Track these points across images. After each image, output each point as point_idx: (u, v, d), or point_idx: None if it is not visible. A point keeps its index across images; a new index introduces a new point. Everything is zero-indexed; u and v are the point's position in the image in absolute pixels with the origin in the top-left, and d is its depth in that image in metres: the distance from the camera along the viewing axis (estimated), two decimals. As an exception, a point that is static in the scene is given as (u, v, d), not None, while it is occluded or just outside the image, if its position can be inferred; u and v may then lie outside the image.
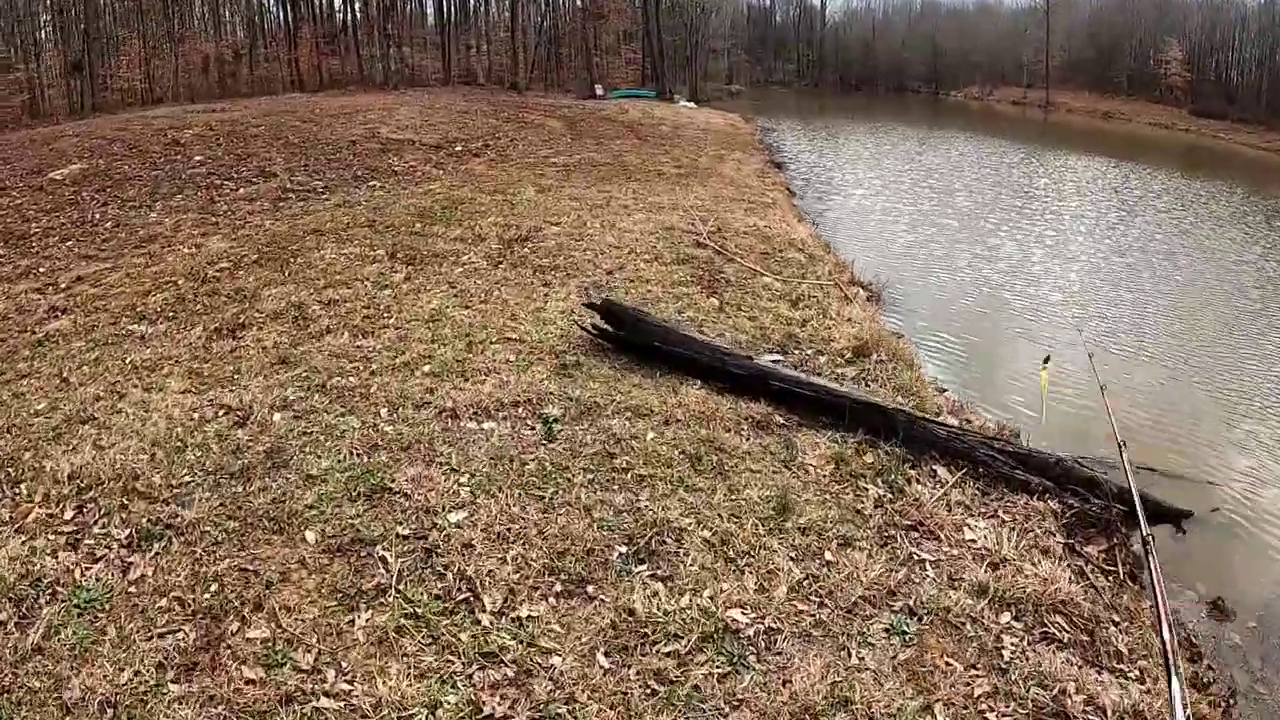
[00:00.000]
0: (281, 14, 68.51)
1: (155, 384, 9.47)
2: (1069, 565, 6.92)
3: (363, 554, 6.26)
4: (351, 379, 9.19)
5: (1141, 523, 6.84)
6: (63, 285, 14.37)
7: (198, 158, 24.47)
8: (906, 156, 41.01)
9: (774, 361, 10.04)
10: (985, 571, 6.55)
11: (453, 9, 73.50)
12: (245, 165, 23.86)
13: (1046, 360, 9.68)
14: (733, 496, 7.13)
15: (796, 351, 10.79)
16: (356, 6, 68.58)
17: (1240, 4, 78.31)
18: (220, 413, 8.54)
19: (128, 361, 10.30)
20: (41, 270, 15.39)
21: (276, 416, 8.35)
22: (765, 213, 20.18)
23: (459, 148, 28.86)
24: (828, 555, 6.55)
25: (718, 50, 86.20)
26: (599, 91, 59.74)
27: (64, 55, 53.00)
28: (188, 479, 7.29)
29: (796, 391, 8.92)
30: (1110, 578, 7.11)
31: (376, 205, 19.08)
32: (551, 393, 8.75)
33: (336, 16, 68.98)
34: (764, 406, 8.77)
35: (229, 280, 13.46)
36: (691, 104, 58.09)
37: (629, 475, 7.33)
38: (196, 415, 8.52)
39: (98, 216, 19.06)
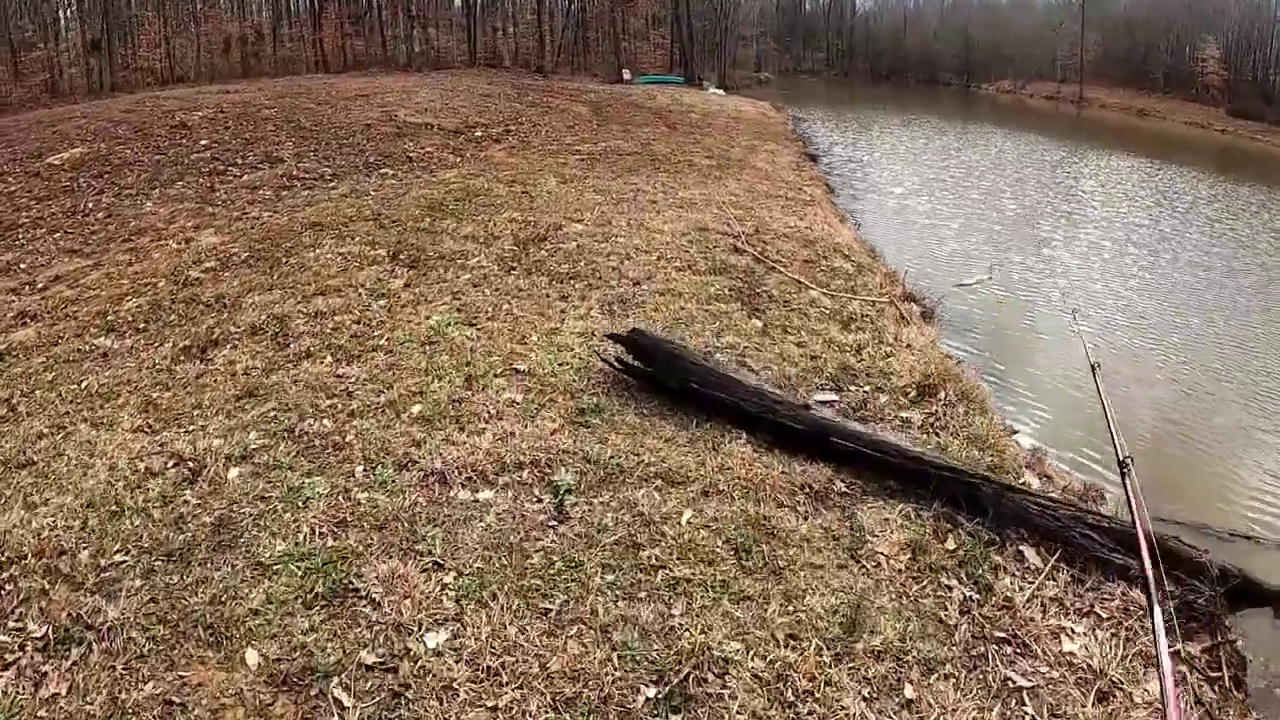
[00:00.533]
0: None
1: (106, 418, 8.04)
2: (1180, 677, 5.41)
3: (314, 690, 4.73)
4: (326, 421, 7.64)
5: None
6: (40, 285, 13.03)
7: (203, 142, 22.97)
8: (944, 152, 39.01)
9: (828, 402, 8.49)
10: (1092, 705, 5.07)
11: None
12: (252, 150, 22.34)
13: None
14: (790, 607, 5.50)
15: (853, 388, 9.12)
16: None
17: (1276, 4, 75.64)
18: (170, 463, 7.05)
19: (84, 386, 8.90)
20: (23, 266, 14.05)
21: (233, 473, 6.83)
22: (804, 211, 18.51)
23: (479, 133, 27.27)
24: (908, 691, 4.99)
25: (747, 38, 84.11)
26: (626, 76, 57.84)
27: (83, 34, 51.57)
28: (120, 558, 5.82)
29: (863, 453, 7.27)
30: (1216, 687, 5.58)
31: (385, 196, 17.51)
32: (565, 450, 7.13)
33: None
34: (822, 468, 7.17)
35: (211, 284, 11.94)
36: (720, 91, 56.17)
37: (659, 577, 5.70)
38: (143, 465, 7.05)
39: (90, 205, 17.61)
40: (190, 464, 7.03)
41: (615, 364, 8.41)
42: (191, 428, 7.71)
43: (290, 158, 21.69)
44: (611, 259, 12.77)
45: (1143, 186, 33.08)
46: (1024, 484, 7.40)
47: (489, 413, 7.77)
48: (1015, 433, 9.69)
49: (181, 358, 9.44)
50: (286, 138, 23.69)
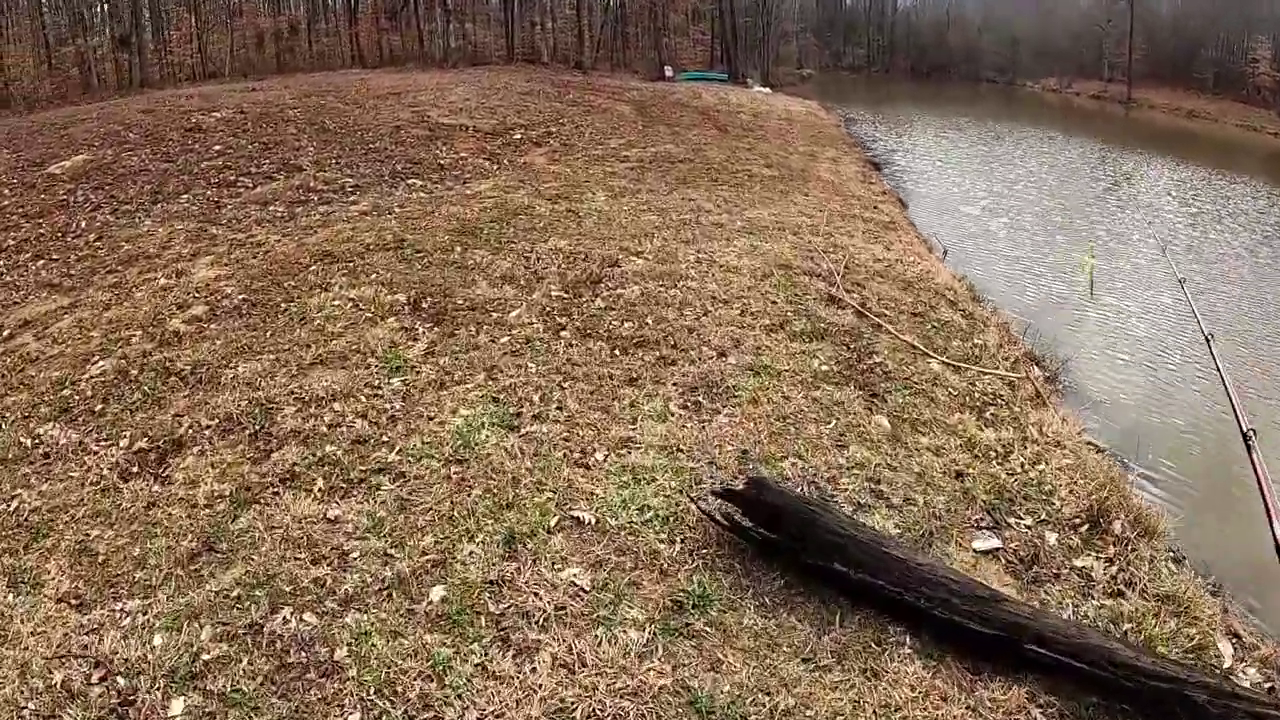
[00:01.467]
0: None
1: (30, 572, 5.79)
2: None
3: None
4: (309, 615, 5.12)
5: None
6: (5, 332, 10.72)
7: (216, 147, 20.51)
8: (1009, 161, 35.85)
9: (992, 551, 6.07)
10: None
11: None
12: (268, 157, 19.87)
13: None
14: None
15: (1014, 521, 6.57)
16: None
17: None
18: (96, 677, 4.81)
19: (12, 510, 6.62)
20: (-6, 302, 11.74)
21: (175, 708, 4.47)
22: (888, 238, 15.94)
23: (517, 135, 24.73)
24: None
25: (788, 33, 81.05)
26: (668, 73, 55.03)
27: (113, 29, 49.47)
28: None
29: (1064, 663, 4.86)
30: None
31: (410, 215, 14.99)
32: (661, 692, 4.55)
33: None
34: (1012, 688, 4.78)
35: (191, 343, 9.47)
36: (766, 89, 53.30)
37: None
38: (59, 676, 4.84)
39: (83, 225, 15.18)
40: (120, 683, 4.68)
41: (723, 522, 5.82)
42: (130, 605, 5.31)
43: (309, 165, 19.21)
44: (685, 313, 10.15)
45: (1234, 207, 30.11)
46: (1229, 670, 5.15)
47: (543, 610, 5.15)
48: (1182, 559, 7.07)
49: (135, 468, 6.99)
50: (308, 142, 21.21)
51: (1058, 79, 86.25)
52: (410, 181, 18.22)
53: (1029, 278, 17.48)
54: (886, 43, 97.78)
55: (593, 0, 66.48)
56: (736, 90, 48.25)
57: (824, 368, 8.90)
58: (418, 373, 8.49)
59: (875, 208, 19.03)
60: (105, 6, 50.86)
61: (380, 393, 8.05)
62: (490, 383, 8.23)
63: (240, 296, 11.00)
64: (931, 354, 9.82)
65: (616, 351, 9.09)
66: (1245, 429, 3.91)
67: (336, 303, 10.41)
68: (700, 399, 7.95)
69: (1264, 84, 71.42)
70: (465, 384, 8.21)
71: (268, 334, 9.65)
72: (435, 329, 9.59)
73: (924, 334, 10.56)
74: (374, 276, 11.31)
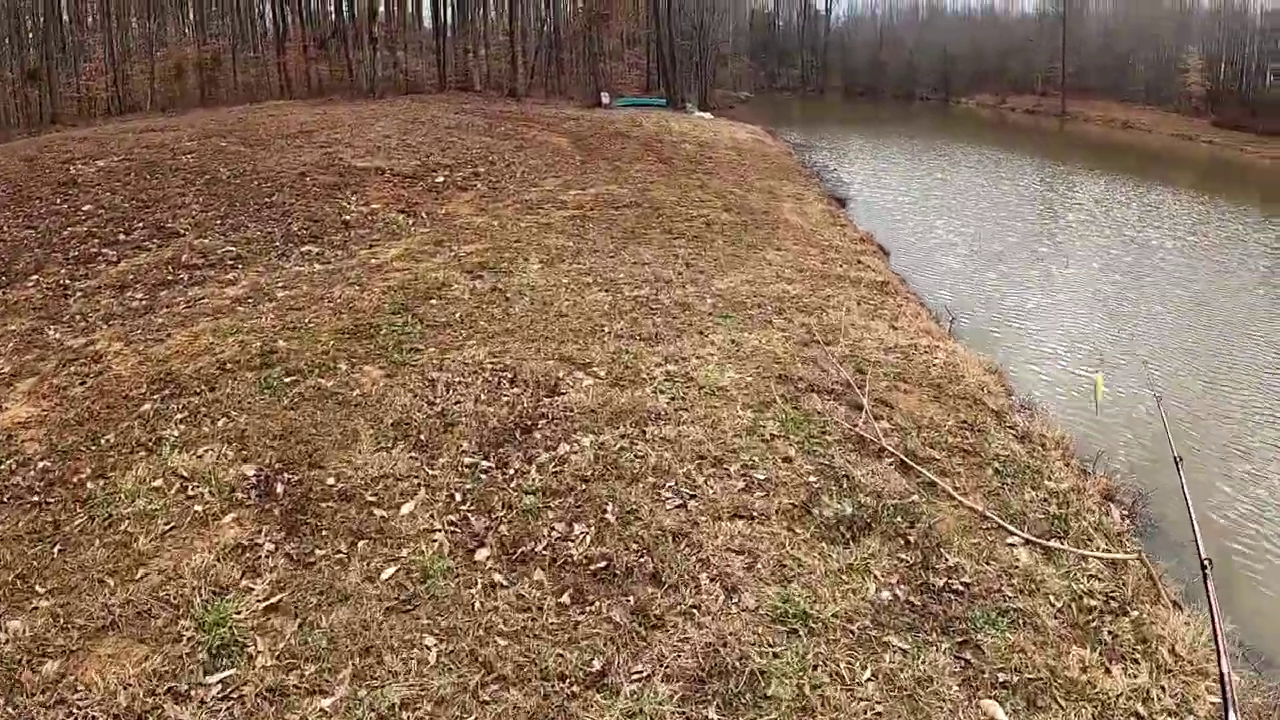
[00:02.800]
0: (271, 15, 60.78)
1: None
2: None
3: None
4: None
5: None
6: None
7: (86, 207, 16.85)
8: (972, 191, 32.91)
9: None
10: None
11: (449, 11, 65.42)
12: (144, 218, 16.21)
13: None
14: None
15: None
16: (344, 8, 60.36)
17: (1257, 13, 73.01)
18: None
19: None
20: None
21: None
22: (887, 307, 12.87)
23: (440, 177, 21.25)
24: None
25: (724, 56, 77.82)
26: (605, 100, 51.60)
27: (22, 62, 45.33)
28: None
29: None
30: None
31: (294, 301, 11.51)
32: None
33: (329, 18, 61.20)
34: None
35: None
36: (705, 114, 50.05)
37: None
38: None
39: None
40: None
41: None
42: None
43: (189, 229, 15.62)
44: (664, 502, 6.63)
45: (1212, 229, 27.46)
46: None
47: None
48: None
49: None
50: (194, 198, 17.53)
51: (992, 94, 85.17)
52: (305, 249, 14.78)
53: (1040, 357, 14.38)
54: (820, 63, 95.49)
55: (526, 25, 63.13)
56: (676, 116, 44.99)
57: (885, 596, 5.52)
58: (251, 658, 5.01)
59: (859, 261, 15.87)
60: (11, 39, 46.65)
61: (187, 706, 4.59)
62: (359, 690, 4.77)
63: (41, 462, 7.50)
64: (1010, 528, 6.57)
65: (567, 598, 5.53)
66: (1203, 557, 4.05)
67: (158, 482, 6.89)
68: (712, 716, 4.59)
69: (1195, 93, 71.48)
70: (320, 692, 4.78)
71: (54, 550, 6.16)
72: (288, 542, 6.08)
73: (989, 486, 7.34)
74: (220, 425, 7.82)
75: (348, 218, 16.86)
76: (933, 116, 73.97)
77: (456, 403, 8.18)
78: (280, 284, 12.53)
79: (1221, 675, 3.66)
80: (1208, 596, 4.17)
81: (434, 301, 11.37)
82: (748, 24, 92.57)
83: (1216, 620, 4.03)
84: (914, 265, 19.52)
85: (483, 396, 8.32)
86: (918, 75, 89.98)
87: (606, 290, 12.05)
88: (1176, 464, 5.04)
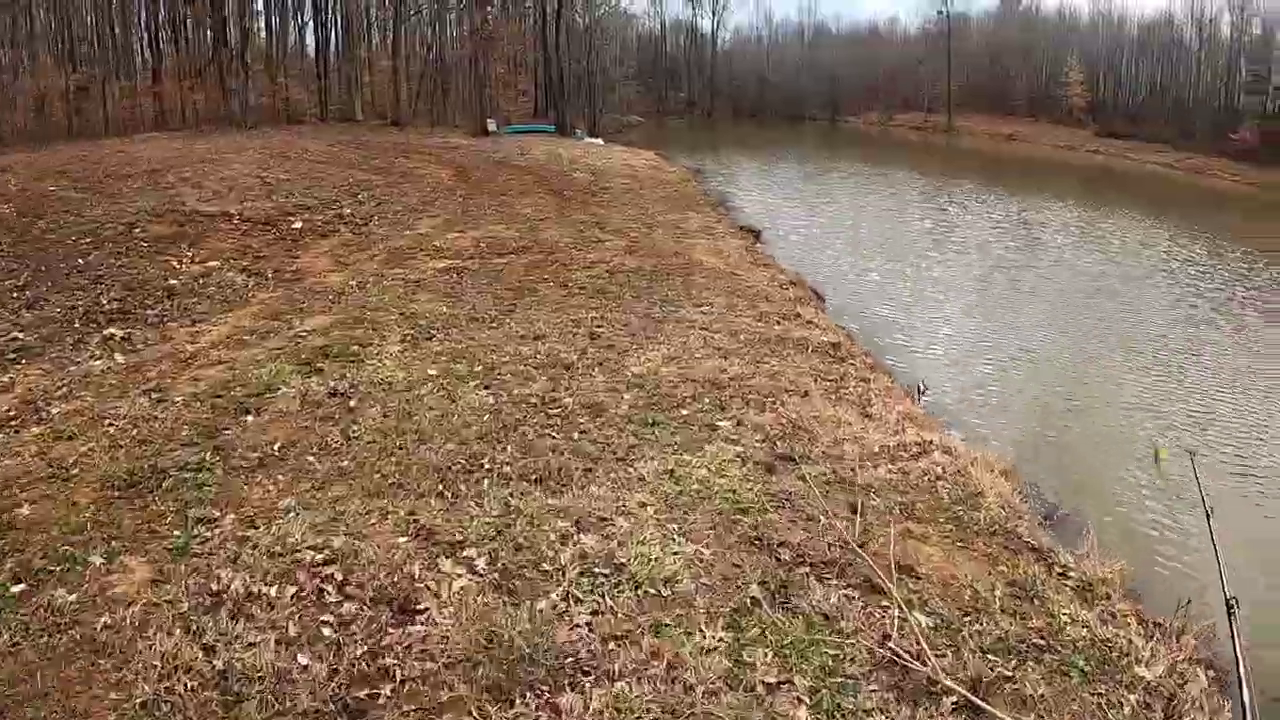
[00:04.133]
0: (145, 43, 55.89)
1: None
2: None
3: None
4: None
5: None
6: None
7: None
8: (885, 216, 30.23)
9: None
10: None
11: (330, 37, 61.03)
12: (-95, 292, 12.58)
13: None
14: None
15: None
16: (222, 36, 55.68)
17: (1134, 26, 74.01)
18: None
19: None
20: None
21: None
22: (851, 382, 10.02)
23: (298, 222, 17.72)
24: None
25: (613, 80, 74.65)
26: (492, 127, 47.88)
27: None
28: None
29: None
30: None
31: (66, 424, 7.98)
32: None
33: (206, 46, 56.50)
34: None
35: None
36: (597, 140, 46.85)
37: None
38: None
39: None
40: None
41: None
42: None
43: (-34, 305, 12.02)
44: None
45: (1150, 252, 25.33)
46: None
47: None
48: None
49: None
50: (-12, 257, 13.92)
51: (879, 113, 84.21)
52: (109, 332, 11.16)
53: (1035, 445, 11.40)
54: (708, 87, 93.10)
55: (409, 50, 59.38)
56: (566, 143, 41.82)
57: None
58: None
59: (797, 315, 12.84)
60: None
61: None
62: None
63: None
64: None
65: None
66: (1228, 596, 4.27)
67: None
68: None
69: (1076, 105, 71.72)
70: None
71: None
72: None
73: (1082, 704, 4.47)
74: None
75: (175, 282, 13.31)
76: (822, 136, 72.21)
77: (249, 646, 4.77)
78: (61, 392, 8.93)
79: (1244, 705, 3.86)
80: (1232, 634, 4.33)
81: (250, 419, 7.97)
82: (635, 48, 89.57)
83: (1240, 657, 4.07)
84: (853, 311, 16.57)
85: (292, 629, 4.93)
86: (805, 95, 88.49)
87: (488, 387, 8.81)
88: (1207, 517, 4.91)
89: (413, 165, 27.66)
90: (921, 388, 11.16)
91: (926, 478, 7.30)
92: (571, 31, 61.79)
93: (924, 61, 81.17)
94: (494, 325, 10.99)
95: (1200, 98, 63.66)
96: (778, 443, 7.69)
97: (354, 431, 7.65)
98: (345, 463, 7.08)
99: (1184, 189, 44.28)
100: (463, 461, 7.09)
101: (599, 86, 64.65)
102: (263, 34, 57.95)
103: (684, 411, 8.37)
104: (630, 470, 6.98)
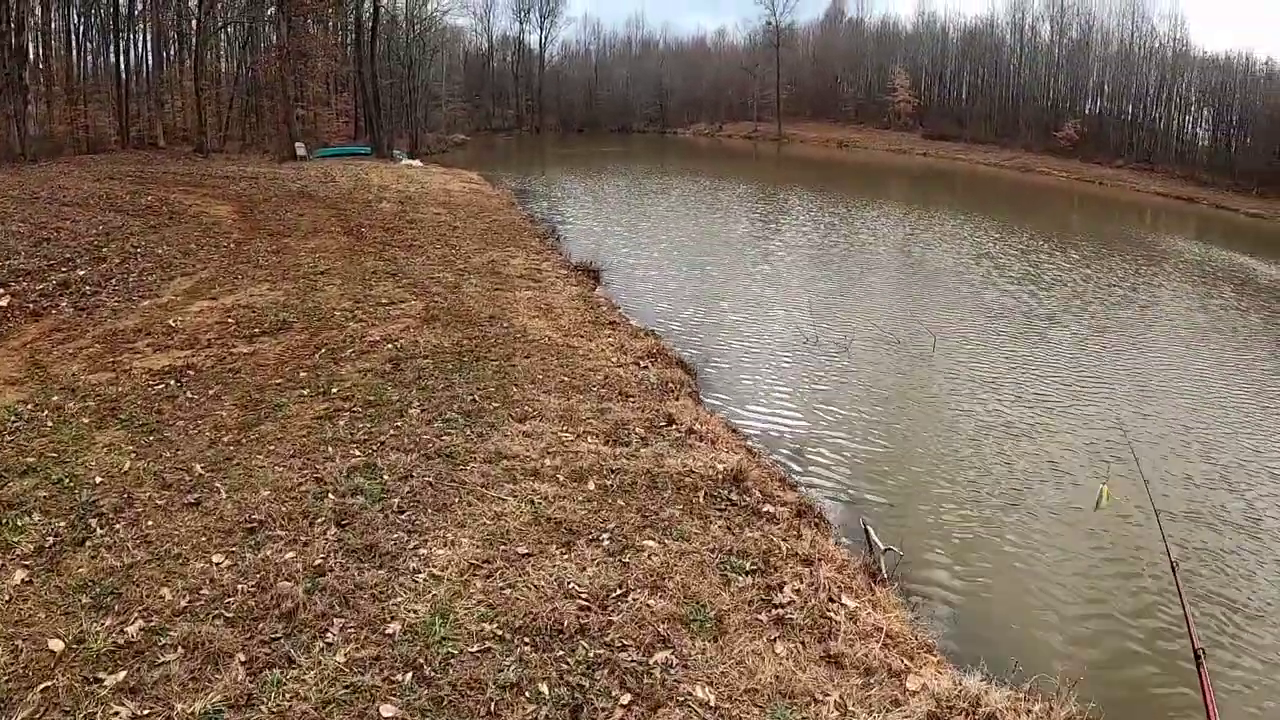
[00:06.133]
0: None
1: None
2: None
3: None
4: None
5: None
6: None
7: None
8: (735, 241, 26.05)
9: None
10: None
11: (130, 58, 53.88)
12: None
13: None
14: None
15: None
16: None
17: (956, 32, 74.73)
18: None
19: None
20: None
21: None
22: (802, 595, 5.57)
23: (5, 299, 12.88)
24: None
25: (438, 98, 69.12)
26: (301, 152, 42.14)
27: None
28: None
29: None
30: None
31: None
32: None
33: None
34: None
35: None
36: (416, 161, 41.84)
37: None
38: None
39: None
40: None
41: None
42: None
43: None
44: None
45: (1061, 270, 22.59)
46: None
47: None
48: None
49: None
50: None
51: (708, 123, 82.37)
52: None
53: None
54: (536, 102, 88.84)
55: (217, 70, 53.25)
56: (380, 166, 36.85)
57: None
58: None
59: (671, 422, 8.62)
60: None
61: None
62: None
63: None
64: None
65: None
66: (1196, 647, 4.07)
67: None
68: None
69: (903, 110, 71.90)
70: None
71: None
72: None
73: None
74: None
75: None
76: (653, 149, 68.60)
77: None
78: None
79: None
80: (1201, 684, 4.10)
81: None
82: (461, 64, 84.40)
83: (1210, 707, 3.92)
84: (739, 392, 12.55)
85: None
86: (634, 108, 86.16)
87: (134, 692, 4.51)
88: (1173, 568, 4.86)
89: (191, 201, 22.65)
90: (878, 556, 7.14)
91: None
92: (393, 45, 56.61)
93: (752, 70, 79.62)
94: (192, 503, 6.60)
95: (1026, 97, 64.04)
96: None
97: None
98: None
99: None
100: None
101: (421, 104, 59.57)
102: (36, 50, 50.41)
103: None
104: None
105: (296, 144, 43.40)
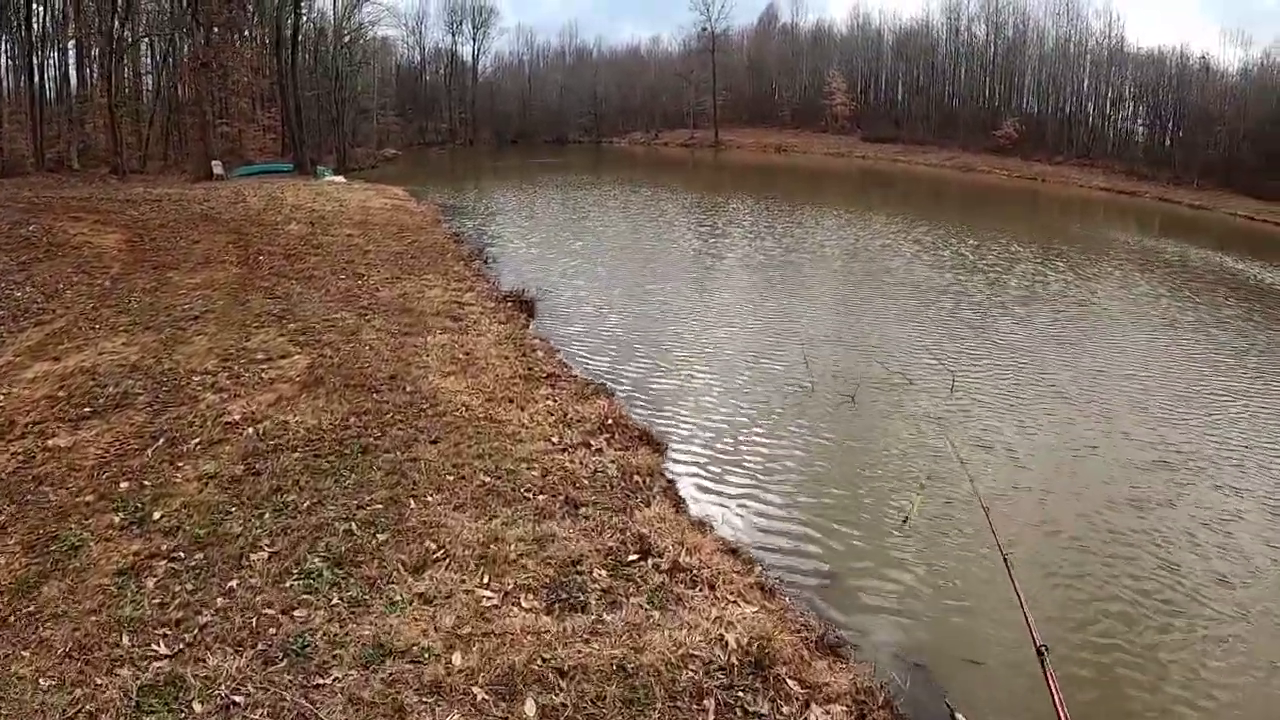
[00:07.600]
0: None
1: None
2: None
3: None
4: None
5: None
6: None
7: None
8: (684, 260, 22.84)
9: None
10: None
11: (46, 77, 50.00)
12: None
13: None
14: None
15: None
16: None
17: (890, 35, 73.67)
18: None
19: None
20: None
21: None
22: None
23: None
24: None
25: (368, 111, 65.38)
26: (218, 170, 38.94)
27: None
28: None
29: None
30: None
31: None
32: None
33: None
34: None
35: None
36: (339, 178, 38.68)
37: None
38: None
39: None
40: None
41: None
42: None
43: None
44: None
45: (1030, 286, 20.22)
46: None
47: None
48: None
49: None
50: None
51: (644, 132, 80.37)
52: None
53: None
54: (470, 115, 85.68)
55: (136, 86, 49.78)
56: (300, 184, 33.83)
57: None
58: None
59: (648, 550, 5.85)
60: None
61: None
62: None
63: None
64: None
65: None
66: (1039, 644, 4.02)
67: None
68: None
69: (841, 113, 71.28)
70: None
71: None
72: None
73: None
74: None
75: None
76: (589, 158, 65.97)
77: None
78: None
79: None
80: (1047, 681, 3.97)
81: None
82: (394, 77, 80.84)
83: (1059, 706, 3.81)
84: (717, 478, 8.97)
85: None
86: (569, 118, 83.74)
87: None
88: (1008, 568, 4.74)
89: (77, 231, 19.69)
90: None
91: None
92: (320, 57, 53.37)
93: (687, 77, 77.76)
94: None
95: (964, 97, 63.26)
96: None
97: None
98: None
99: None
100: None
101: (348, 118, 56.37)
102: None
103: None
104: None
105: (214, 162, 40.20)
